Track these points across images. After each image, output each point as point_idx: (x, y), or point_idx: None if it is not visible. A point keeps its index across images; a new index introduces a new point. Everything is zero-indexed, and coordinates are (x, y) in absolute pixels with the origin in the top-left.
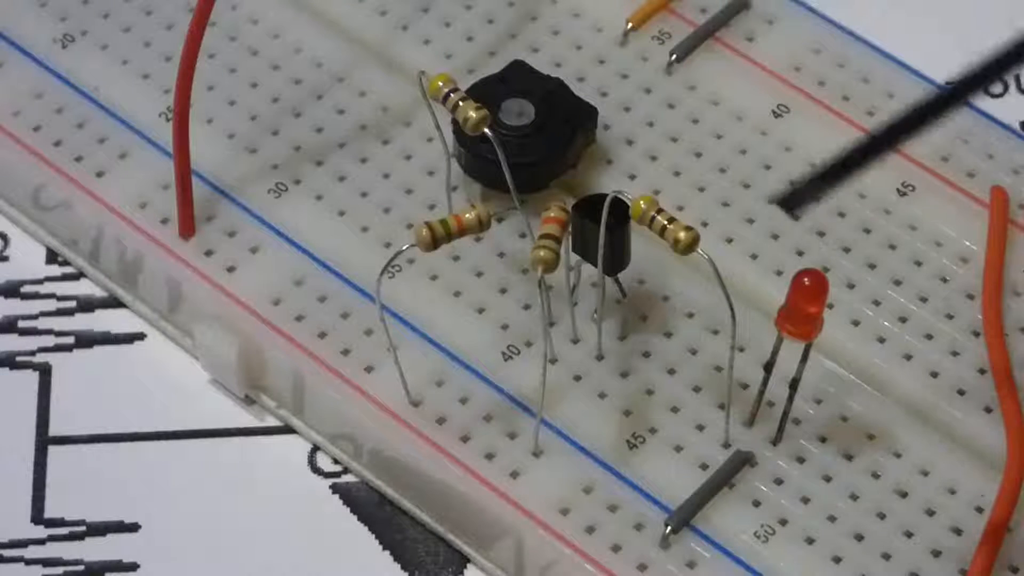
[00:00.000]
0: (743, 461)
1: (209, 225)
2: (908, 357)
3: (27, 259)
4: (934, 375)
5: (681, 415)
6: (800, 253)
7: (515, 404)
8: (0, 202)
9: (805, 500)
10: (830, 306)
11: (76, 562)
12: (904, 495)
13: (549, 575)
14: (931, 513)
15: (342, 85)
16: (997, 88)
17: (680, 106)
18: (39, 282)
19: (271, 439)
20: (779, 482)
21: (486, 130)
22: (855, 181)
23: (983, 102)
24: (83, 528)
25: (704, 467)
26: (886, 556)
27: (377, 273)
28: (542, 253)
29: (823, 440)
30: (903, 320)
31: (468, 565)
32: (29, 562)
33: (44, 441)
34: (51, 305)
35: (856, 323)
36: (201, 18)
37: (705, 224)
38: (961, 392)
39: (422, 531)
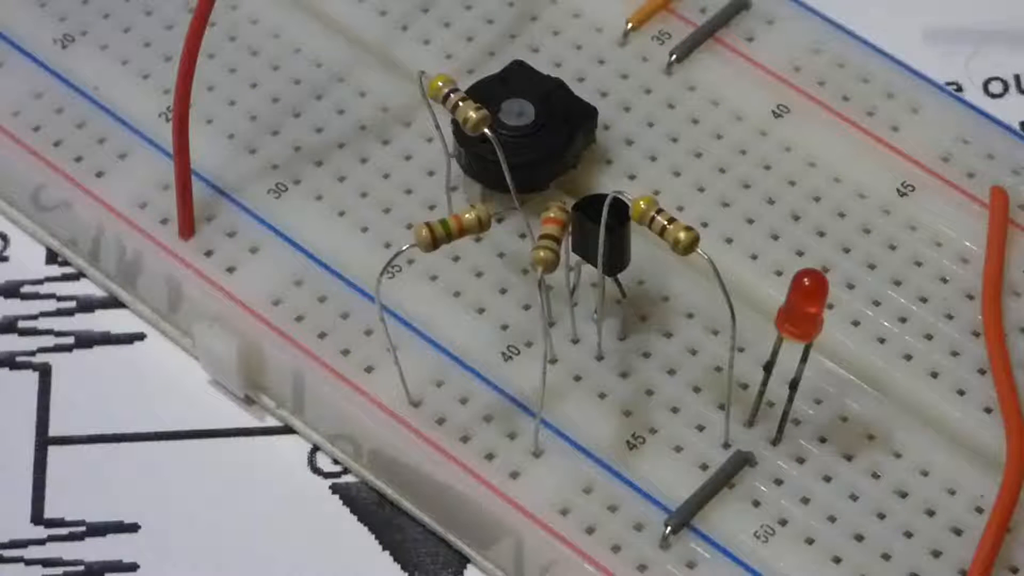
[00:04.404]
0: (743, 461)
1: (209, 225)
2: (908, 357)
3: (27, 259)
4: (934, 375)
5: (681, 415)
6: (800, 253)
7: (515, 404)
8: (0, 202)
9: (805, 500)
10: (830, 306)
11: (76, 562)
12: (904, 495)
13: (549, 575)
14: (931, 513)
15: (342, 85)
16: (997, 88)
17: (680, 106)
18: (39, 282)
19: (271, 439)
20: (779, 482)
21: (486, 130)
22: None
23: (983, 102)
24: (83, 528)
25: (704, 467)
26: (886, 556)
27: (377, 273)
28: (542, 253)
29: (823, 440)
30: (903, 320)
31: (468, 565)
32: (29, 562)
33: (44, 441)
34: (51, 305)
35: (856, 323)
36: (201, 18)
37: (705, 224)
38: (961, 392)
39: (422, 531)
